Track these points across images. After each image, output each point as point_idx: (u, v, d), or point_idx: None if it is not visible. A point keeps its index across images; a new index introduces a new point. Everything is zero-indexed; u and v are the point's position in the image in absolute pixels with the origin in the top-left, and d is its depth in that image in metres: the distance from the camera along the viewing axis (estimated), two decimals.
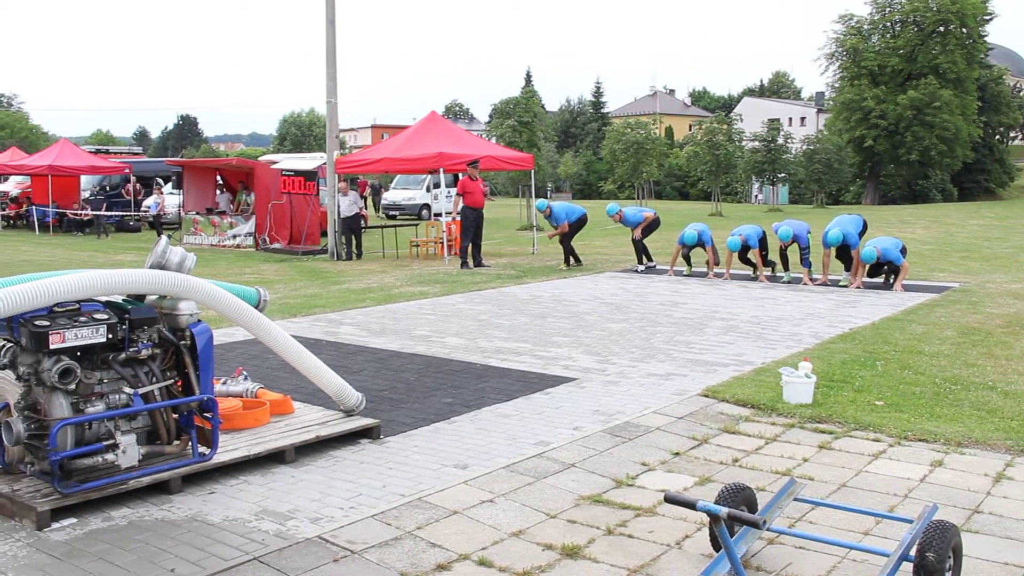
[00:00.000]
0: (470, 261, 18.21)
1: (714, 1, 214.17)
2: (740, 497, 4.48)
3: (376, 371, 8.49)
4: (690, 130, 59.73)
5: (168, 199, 30.84)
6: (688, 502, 3.80)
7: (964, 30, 55.94)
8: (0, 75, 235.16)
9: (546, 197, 25.95)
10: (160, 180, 33.21)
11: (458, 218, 19.35)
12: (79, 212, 31.00)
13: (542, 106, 53.72)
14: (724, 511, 3.65)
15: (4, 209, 33.12)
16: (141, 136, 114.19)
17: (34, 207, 30.92)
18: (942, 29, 55.80)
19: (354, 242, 21.06)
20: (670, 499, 3.84)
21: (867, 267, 14.68)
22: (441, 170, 20.88)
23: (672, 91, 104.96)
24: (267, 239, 23.31)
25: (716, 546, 4.32)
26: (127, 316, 5.37)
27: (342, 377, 6.70)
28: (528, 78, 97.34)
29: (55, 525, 4.86)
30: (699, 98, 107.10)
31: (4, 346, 5.26)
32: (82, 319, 5.16)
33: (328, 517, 4.98)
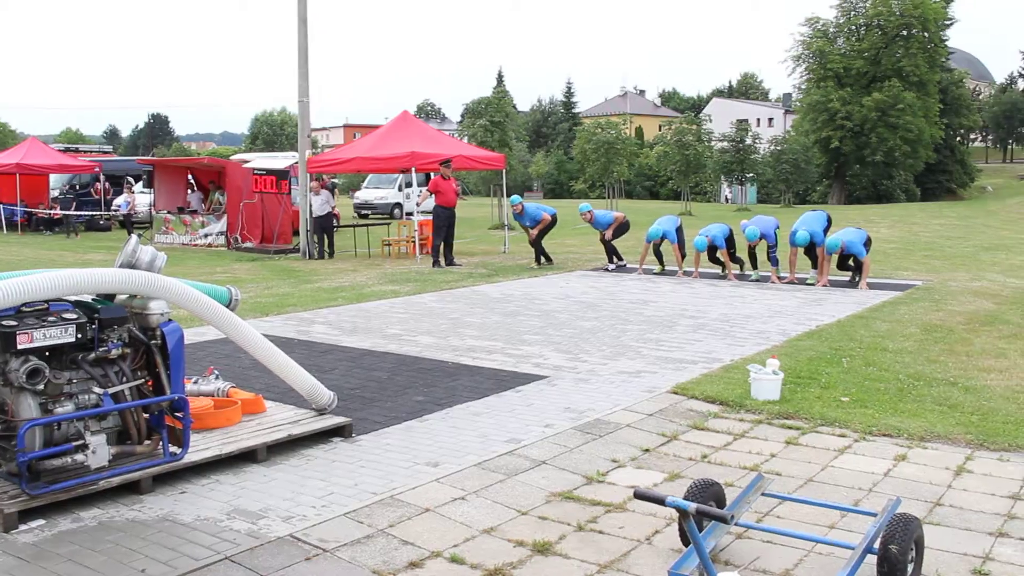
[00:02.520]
0: (442, 260, 18.16)
1: (684, 3, 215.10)
2: (709, 493, 4.49)
3: (348, 370, 8.45)
4: (660, 130, 59.93)
5: (139, 198, 30.56)
6: (657, 498, 3.80)
7: (926, 34, 56.65)
8: None
9: (521, 196, 25.55)
10: (131, 179, 32.91)
11: (428, 216, 19.33)
12: (48, 211, 30.67)
13: (514, 106, 53.69)
14: (692, 507, 3.66)
15: None
16: (111, 135, 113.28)
17: (1, 206, 30.53)
18: (905, 33, 56.47)
19: (326, 241, 20.98)
20: (640, 495, 3.85)
21: (832, 259, 14.75)
22: (413, 169, 20.82)
23: (642, 92, 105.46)
24: (239, 238, 23.17)
25: (685, 541, 4.34)
26: (97, 316, 5.31)
27: (314, 376, 6.66)
28: (500, 78, 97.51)
29: (23, 527, 4.78)
30: (669, 99, 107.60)
31: None
32: (51, 319, 5.09)
33: (300, 516, 4.94)
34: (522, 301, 13.04)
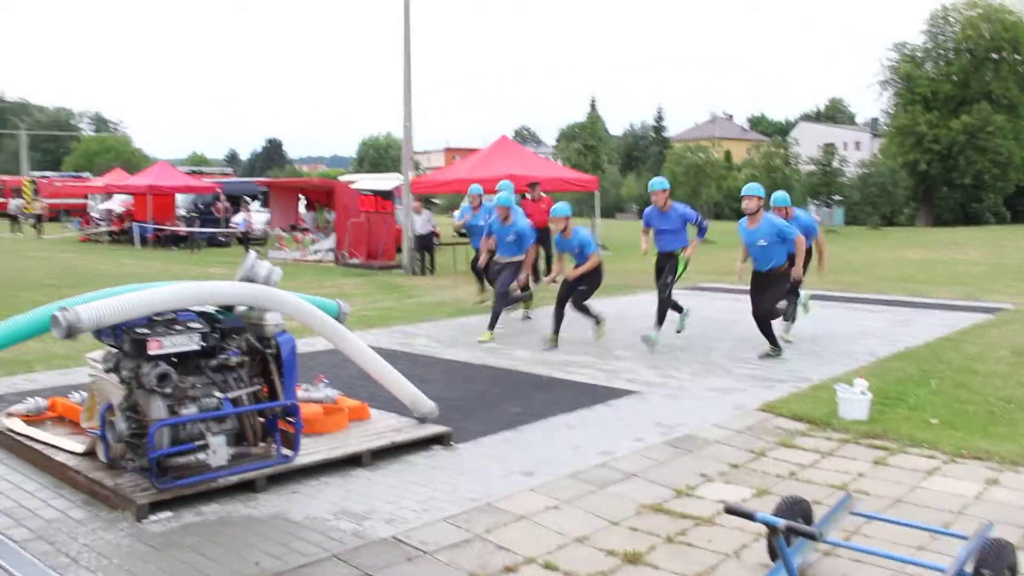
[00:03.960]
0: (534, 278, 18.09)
1: (771, 31, 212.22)
2: (797, 509, 4.40)
3: (448, 381, 8.51)
4: (748, 154, 59.13)
5: (255, 216, 31.32)
6: (747, 513, 3.75)
7: (1017, 56, 54.68)
8: (107, 103, 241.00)
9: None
10: (248, 198, 33.78)
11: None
12: (175, 228, 31.64)
13: (605, 130, 53.68)
14: (782, 523, 3.60)
15: (109, 225, 33.94)
16: (231, 158, 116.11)
17: (135, 223, 31.62)
18: (995, 56, 54.59)
19: (428, 258, 21.19)
20: (730, 510, 3.80)
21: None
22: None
23: (731, 116, 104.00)
24: (346, 254, 23.54)
25: (773, 556, 4.25)
26: (218, 325, 5.48)
27: (416, 386, 6.74)
28: (593, 104, 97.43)
29: (152, 517, 4.95)
30: (757, 123, 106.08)
31: (109, 352, 5.39)
32: (178, 328, 5.28)
33: (402, 519, 5.00)
34: (613, 318, 12.95)
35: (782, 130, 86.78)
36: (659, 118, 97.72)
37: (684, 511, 5.17)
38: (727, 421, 7.12)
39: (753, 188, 9.70)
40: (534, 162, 22.73)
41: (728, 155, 75.23)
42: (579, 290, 10.85)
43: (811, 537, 3.74)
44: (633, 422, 7.08)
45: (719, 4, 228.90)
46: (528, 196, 18.80)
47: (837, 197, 48.25)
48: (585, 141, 39.34)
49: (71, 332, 4.85)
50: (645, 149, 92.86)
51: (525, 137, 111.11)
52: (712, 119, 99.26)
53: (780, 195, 10.72)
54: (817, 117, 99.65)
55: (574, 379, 8.69)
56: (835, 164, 46.92)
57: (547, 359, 9.69)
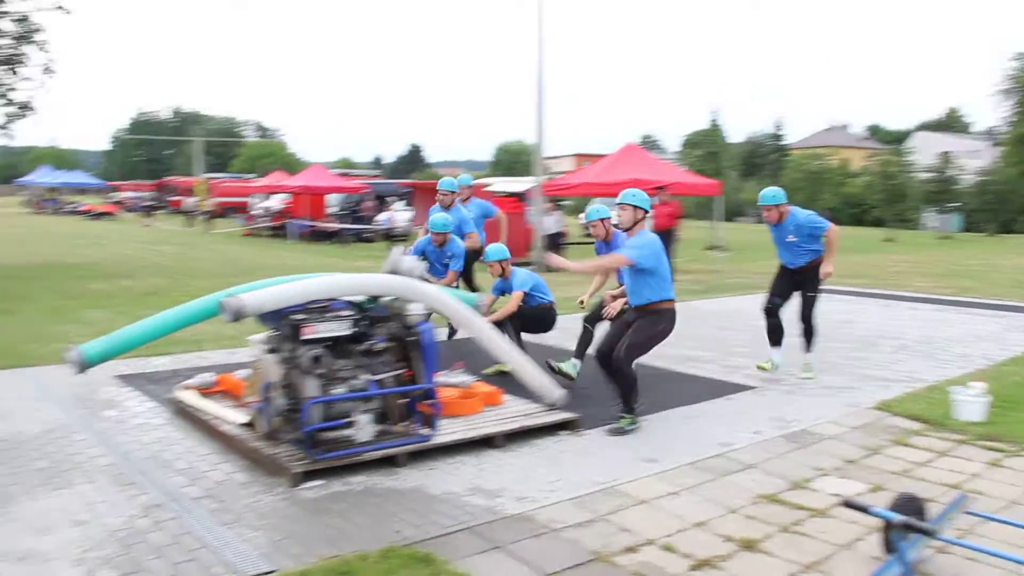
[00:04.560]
0: None
1: (890, 43, 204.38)
2: (912, 506, 4.22)
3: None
4: (865, 162, 57.05)
5: (398, 215, 31.92)
6: (863, 507, 3.63)
7: None
8: (268, 112, 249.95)
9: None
10: (392, 198, 34.44)
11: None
12: (327, 225, 32.53)
13: (726, 138, 52.59)
14: (899, 518, 3.46)
15: (269, 221, 35.17)
16: (377, 161, 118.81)
17: (291, 220, 32.66)
18: None
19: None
20: (847, 503, 3.68)
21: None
22: None
23: (846, 126, 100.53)
24: None
25: (887, 550, 4.10)
26: (367, 314, 5.60)
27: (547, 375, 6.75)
28: (714, 113, 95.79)
29: (305, 485, 5.12)
30: (874, 132, 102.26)
31: (270, 335, 5.58)
32: (330, 315, 5.43)
33: (531, 498, 5.02)
34: (733, 316, 12.74)
35: (899, 139, 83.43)
36: (778, 126, 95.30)
37: (799, 502, 5.04)
38: (842, 418, 6.90)
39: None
40: (659, 167, 22.49)
41: (845, 163, 72.93)
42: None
43: (927, 533, 3.58)
44: (751, 416, 6.93)
45: (839, 17, 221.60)
46: (657, 199, 18.56)
47: (953, 204, 46.10)
48: (707, 148, 38.63)
49: (237, 317, 5.04)
50: (764, 156, 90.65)
51: (649, 144, 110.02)
52: (829, 128, 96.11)
53: (768, 193, 8.28)
54: (935, 127, 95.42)
55: (695, 373, 8.56)
56: (951, 172, 44.84)
57: (670, 354, 9.54)
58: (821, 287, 8.34)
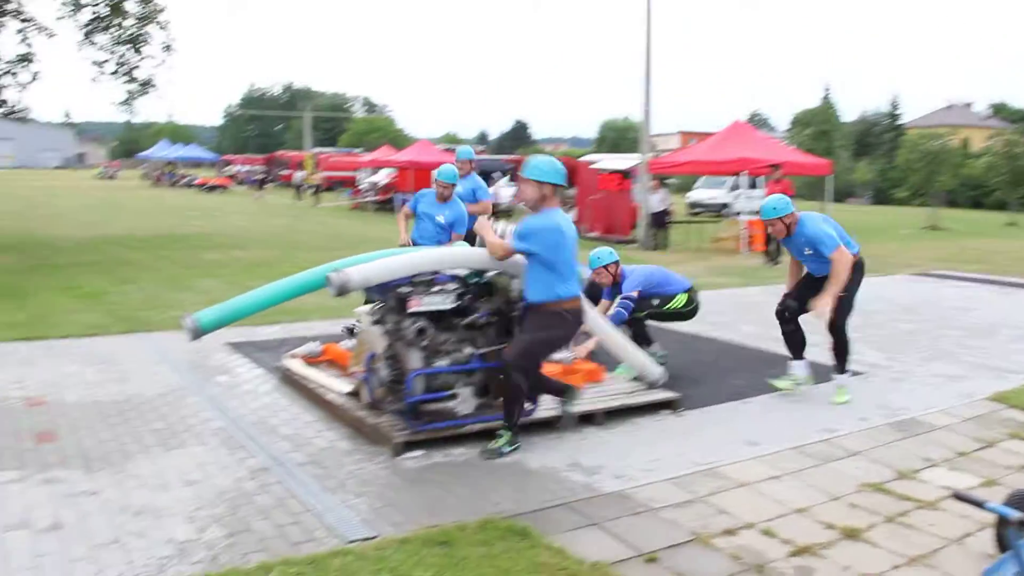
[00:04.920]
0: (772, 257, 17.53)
1: (1013, 17, 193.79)
2: None
3: (677, 351, 8.40)
4: (988, 141, 54.37)
5: (502, 190, 32.04)
6: (977, 501, 3.49)
7: None
8: (376, 88, 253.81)
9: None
10: (497, 174, 34.57)
11: (756, 216, 18.73)
12: None
13: (838, 117, 50.81)
14: (1017, 515, 3.32)
15: (375, 195, 35.76)
16: (482, 138, 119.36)
17: (397, 194, 33.13)
18: None
19: (661, 234, 21.01)
20: (959, 496, 3.54)
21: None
22: (744, 172, 20.50)
23: (969, 104, 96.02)
24: (585, 228, 23.72)
25: (1001, 547, 3.94)
26: (471, 287, 5.66)
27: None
28: (826, 90, 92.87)
29: (407, 455, 5.23)
30: (998, 111, 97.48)
31: (376, 306, 5.70)
32: (435, 288, 5.50)
33: (629, 476, 5.01)
34: None
35: None
36: (894, 105, 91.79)
37: (906, 493, 4.89)
38: (955, 408, 6.65)
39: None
40: (768, 145, 22.00)
41: (966, 142, 69.76)
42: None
43: None
44: (857, 402, 6.74)
45: None
46: (772, 178, 18.16)
47: None
48: (818, 127, 37.45)
49: (342, 291, 5.15)
50: (879, 135, 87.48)
51: (758, 122, 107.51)
52: (949, 106, 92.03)
53: (767, 205, 6.73)
54: None
55: None
56: None
57: (775, 336, 9.31)
58: (853, 288, 6.74)
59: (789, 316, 7.02)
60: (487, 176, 34.00)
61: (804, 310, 6.88)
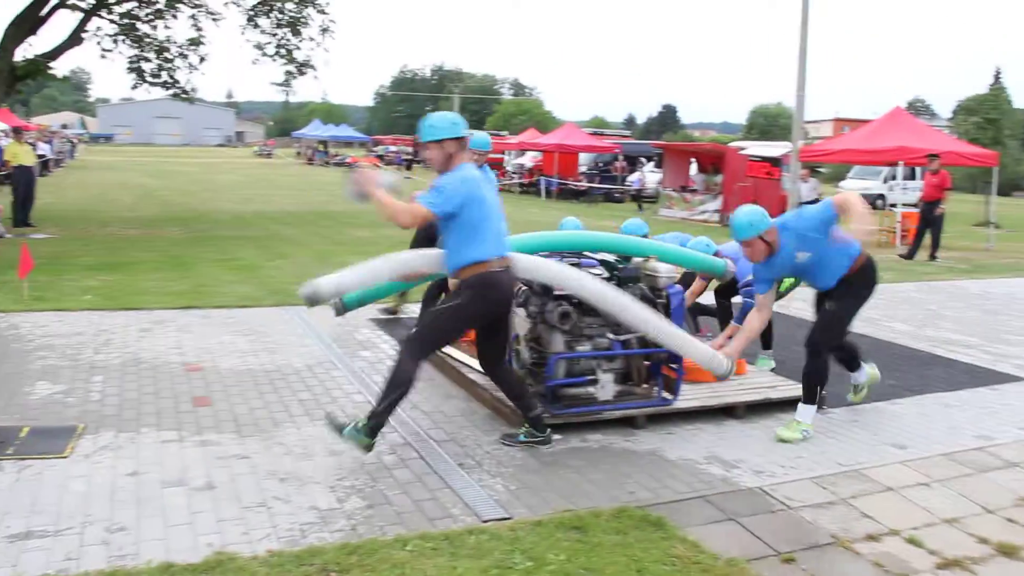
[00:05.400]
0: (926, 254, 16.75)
1: None
2: None
3: None
4: None
5: (649, 176, 31.77)
6: None
7: None
8: (525, 70, 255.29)
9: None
10: (643, 159, 34.28)
11: (912, 208, 17.99)
12: (577, 184, 32.90)
13: (1010, 103, 47.72)
14: None
15: (521, 178, 36.04)
16: (629, 122, 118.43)
17: (542, 178, 33.30)
18: None
19: None
20: None
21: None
22: (900, 163, 19.61)
23: None
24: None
25: None
26: (616, 273, 5.64)
27: (788, 348, 6.51)
28: (997, 76, 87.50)
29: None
30: None
31: (520, 289, 5.75)
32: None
33: (769, 472, 4.90)
34: (1004, 300, 11.73)
35: None
36: None
37: None
38: None
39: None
40: (928, 135, 20.94)
41: None
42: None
43: None
44: (1019, 410, 6.37)
45: None
46: (929, 169, 17.34)
47: None
48: (986, 114, 35.28)
49: (312, 302, 4.91)
50: None
51: (918, 110, 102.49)
52: None
53: (739, 222, 5.50)
54: None
55: (955, 358, 7.97)
56: None
57: (928, 335, 8.98)
58: (853, 302, 5.65)
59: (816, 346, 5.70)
60: (632, 161, 33.96)
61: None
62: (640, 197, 30.05)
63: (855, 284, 5.55)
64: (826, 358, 5.65)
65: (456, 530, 4.00)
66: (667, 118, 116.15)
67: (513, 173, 37.05)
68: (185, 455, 4.81)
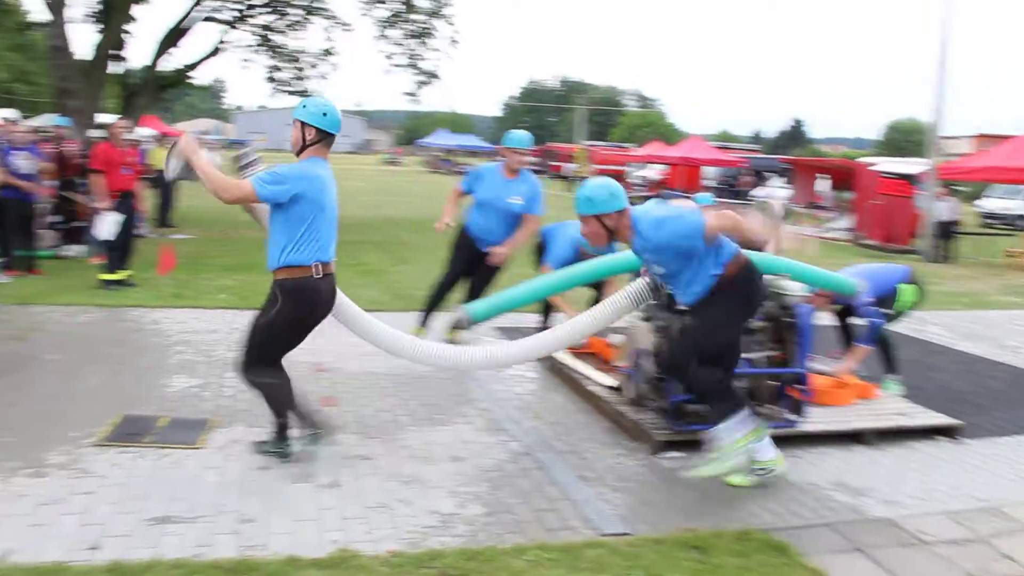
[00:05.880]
0: None
1: None
2: None
3: (959, 374, 7.80)
4: None
5: (776, 191, 31.07)
6: None
7: None
8: (649, 82, 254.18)
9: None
10: (770, 174, 33.58)
11: None
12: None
13: None
14: None
15: (645, 191, 35.84)
16: (756, 136, 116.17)
17: (665, 190, 33.02)
18: None
19: (948, 246, 19.52)
20: None
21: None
22: None
23: None
24: (862, 236, 22.51)
25: None
26: None
27: (922, 374, 6.25)
28: None
29: (666, 454, 5.22)
30: None
31: (646, 304, 5.70)
32: None
33: (900, 503, 4.71)
34: None
35: None
36: None
37: None
38: None
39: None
40: None
41: None
42: None
43: None
44: None
45: None
46: None
47: None
48: None
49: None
50: None
51: None
52: None
53: (580, 194, 4.69)
54: None
55: None
56: None
57: None
58: (727, 313, 4.72)
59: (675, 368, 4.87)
60: (759, 175, 33.30)
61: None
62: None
63: (724, 296, 4.63)
64: (705, 372, 4.64)
65: (575, 542, 4.00)
66: (796, 132, 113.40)
67: (637, 186, 36.86)
68: (312, 453, 4.95)
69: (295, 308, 4.63)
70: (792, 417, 5.52)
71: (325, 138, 4.66)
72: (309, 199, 4.51)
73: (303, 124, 4.62)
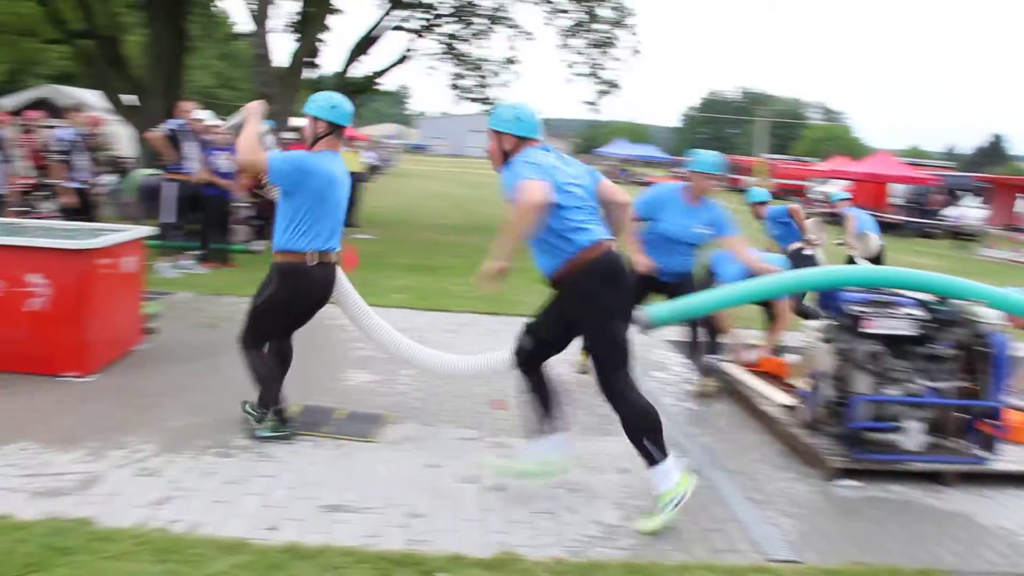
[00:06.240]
0: None
1: None
2: None
3: None
4: None
5: (970, 211, 29.30)
6: None
7: None
8: (834, 95, 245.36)
9: None
10: (964, 193, 31.67)
11: None
12: (886, 216, 31.01)
13: None
14: None
15: (827, 207, 34.54)
16: (949, 152, 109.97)
17: (849, 208, 31.72)
18: None
19: None
20: None
21: None
22: None
23: None
24: None
25: None
26: (935, 315, 5.24)
27: None
28: None
29: (841, 482, 4.98)
30: None
31: (827, 323, 5.50)
32: (895, 311, 5.17)
33: None
34: None
35: None
36: None
37: None
38: None
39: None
40: None
41: None
42: None
43: None
44: None
45: None
46: None
47: None
48: None
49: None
50: None
51: None
52: None
53: (501, 110, 4.69)
54: None
55: None
56: None
57: None
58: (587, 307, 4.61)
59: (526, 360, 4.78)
60: (952, 194, 31.48)
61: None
62: (959, 234, 27.78)
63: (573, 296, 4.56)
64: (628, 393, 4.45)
65: (740, 565, 3.89)
66: (994, 149, 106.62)
67: (818, 202, 35.59)
68: (480, 454, 5.02)
69: (287, 290, 4.86)
70: (982, 454, 5.17)
71: (335, 131, 4.85)
72: (310, 189, 4.72)
73: (314, 118, 4.82)
